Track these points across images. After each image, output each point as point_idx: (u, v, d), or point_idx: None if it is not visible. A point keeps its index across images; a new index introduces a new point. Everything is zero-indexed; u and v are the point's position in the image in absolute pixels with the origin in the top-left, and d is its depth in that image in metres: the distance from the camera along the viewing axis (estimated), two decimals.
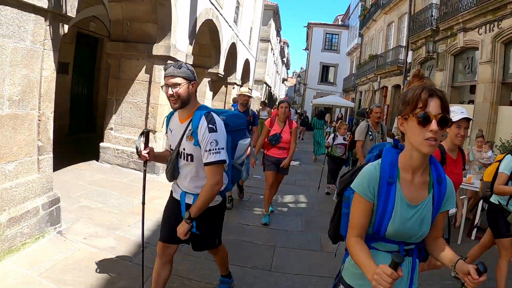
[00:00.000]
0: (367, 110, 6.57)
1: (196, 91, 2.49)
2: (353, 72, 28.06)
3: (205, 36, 10.97)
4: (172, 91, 2.33)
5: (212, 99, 13.42)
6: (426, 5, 14.19)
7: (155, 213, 4.79)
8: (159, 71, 7.04)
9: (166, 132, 2.66)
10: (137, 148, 2.53)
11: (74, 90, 10.28)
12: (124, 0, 6.92)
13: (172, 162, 2.51)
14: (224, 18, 11.47)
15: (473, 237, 5.56)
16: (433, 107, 1.42)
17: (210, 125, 2.33)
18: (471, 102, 11.19)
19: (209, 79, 11.62)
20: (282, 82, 52.42)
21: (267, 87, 31.03)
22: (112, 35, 7.37)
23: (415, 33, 14.67)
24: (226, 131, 2.48)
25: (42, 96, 3.76)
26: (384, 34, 19.86)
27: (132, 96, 7.27)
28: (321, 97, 27.13)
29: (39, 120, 3.77)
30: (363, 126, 5.75)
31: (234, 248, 4.24)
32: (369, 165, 1.62)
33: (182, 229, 2.42)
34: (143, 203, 2.78)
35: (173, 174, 2.55)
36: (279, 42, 38.48)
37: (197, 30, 8.77)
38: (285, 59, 51.52)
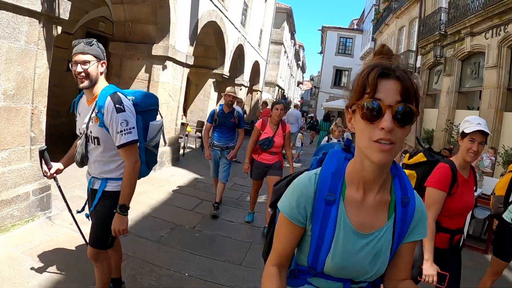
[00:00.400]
0: None
1: (104, 72, 2.39)
2: None
3: (210, 38, 11.33)
4: (82, 68, 2.23)
5: (219, 99, 13.79)
6: (435, 9, 14.19)
7: (141, 206, 5.15)
8: (157, 70, 7.42)
9: (75, 117, 2.53)
10: (42, 170, 2.48)
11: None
12: (126, 2, 7.30)
13: (81, 146, 2.40)
14: (230, 20, 11.80)
15: (460, 244, 5.65)
16: (388, 92, 0.99)
17: (117, 105, 2.23)
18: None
19: (214, 79, 11.99)
20: (297, 86, 52.65)
21: (280, 90, 31.27)
22: (115, 35, 7.76)
23: (424, 37, 14.69)
24: (135, 112, 2.41)
25: (36, 92, 4.13)
26: (395, 38, 19.88)
27: None
28: (334, 100, 27.28)
29: (32, 113, 4.14)
30: None
31: (211, 242, 4.51)
32: (303, 175, 1.20)
33: (116, 222, 2.31)
34: (70, 211, 2.82)
35: (82, 160, 2.44)
36: (294, 45, 38.67)
37: (198, 32, 9.12)
38: (300, 62, 51.72)
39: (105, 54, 2.37)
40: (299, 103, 35.48)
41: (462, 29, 11.60)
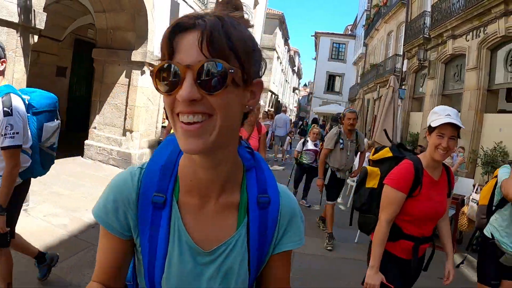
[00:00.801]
0: (341, 115, 5.93)
1: (4, 70, 2.46)
2: (358, 81, 28.73)
3: None
4: None
5: None
6: (420, 13, 14.66)
7: None
8: (136, 75, 8.00)
9: None
10: None
11: (71, 92, 11.44)
12: (108, 11, 7.87)
13: None
14: None
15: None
16: (187, 50, 0.72)
17: (5, 108, 2.29)
18: None
19: None
20: (293, 91, 53.33)
21: (274, 96, 31.87)
22: (98, 42, 8.36)
23: (409, 41, 15.19)
24: (31, 112, 2.54)
25: None
26: (384, 43, 20.48)
27: (113, 98, 8.21)
28: (325, 105, 27.94)
29: None
30: (333, 133, 5.29)
31: None
32: (125, 170, 0.94)
33: None
34: None
35: None
36: (288, 51, 39.45)
37: None
38: (296, 68, 52.60)
39: (5, 52, 2.48)
40: (295, 108, 35.94)
41: (444, 32, 12.05)
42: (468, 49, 10.67)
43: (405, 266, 2.29)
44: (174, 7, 9.05)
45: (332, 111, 24.67)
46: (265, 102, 26.24)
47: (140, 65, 7.94)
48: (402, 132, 14.19)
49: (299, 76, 60.74)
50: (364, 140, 5.61)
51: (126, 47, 7.99)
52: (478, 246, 3.08)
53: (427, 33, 13.48)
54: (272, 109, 28.54)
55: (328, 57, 35.91)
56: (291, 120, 18.14)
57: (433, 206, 2.19)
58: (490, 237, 2.72)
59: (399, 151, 2.44)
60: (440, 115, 2.08)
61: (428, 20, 13.67)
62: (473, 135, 9.99)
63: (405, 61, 16.04)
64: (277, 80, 32.31)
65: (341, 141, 5.21)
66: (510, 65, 9.22)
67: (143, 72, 8.00)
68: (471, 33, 10.65)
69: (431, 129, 2.15)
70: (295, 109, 53.84)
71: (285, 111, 16.17)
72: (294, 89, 53.34)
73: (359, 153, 5.81)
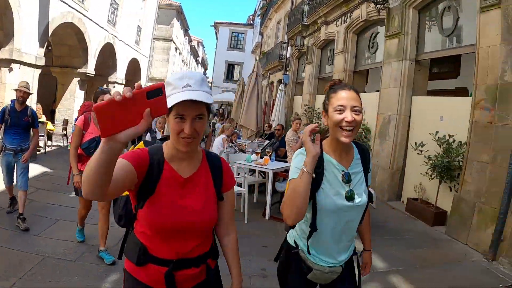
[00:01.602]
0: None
1: None
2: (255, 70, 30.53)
3: (73, 38, 12.23)
4: None
5: (86, 97, 15.02)
6: (300, 1, 16.12)
7: None
8: (4, 73, 8.34)
9: None
10: None
11: None
12: None
13: None
14: (92, 20, 12.71)
15: (267, 217, 6.34)
16: None
17: None
18: None
19: (79, 78, 12.92)
20: None
21: None
22: None
23: (291, 29, 16.73)
24: None
25: None
26: (275, 31, 22.27)
27: None
28: (223, 93, 29.76)
29: None
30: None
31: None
32: None
33: None
34: None
35: None
36: (189, 41, 40.33)
37: (50, 34, 10.07)
38: (199, 59, 53.68)
39: None
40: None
41: (318, 18, 13.48)
42: (337, 34, 12.06)
43: None
44: (44, 2, 9.42)
45: (227, 99, 26.52)
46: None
47: (8, 62, 8.30)
48: (286, 116, 15.71)
49: (204, 66, 61.69)
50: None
51: None
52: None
53: (305, 21, 14.90)
54: None
55: (227, 46, 37.50)
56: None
57: (177, 213, 1.55)
58: (294, 245, 2.05)
59: (155, 142, 1.78)
60: (176, 87, 1.42)
61: (306, 8, 15.00)
62: None
63: (289, 48, 17.59)
64: (176, 71, 33.04)
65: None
66: (372, 47, 10.62)
67: (10, 69, 8.37)
68: (340, 19, 12.03)
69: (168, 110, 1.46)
70: None
71: None
72: None
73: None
